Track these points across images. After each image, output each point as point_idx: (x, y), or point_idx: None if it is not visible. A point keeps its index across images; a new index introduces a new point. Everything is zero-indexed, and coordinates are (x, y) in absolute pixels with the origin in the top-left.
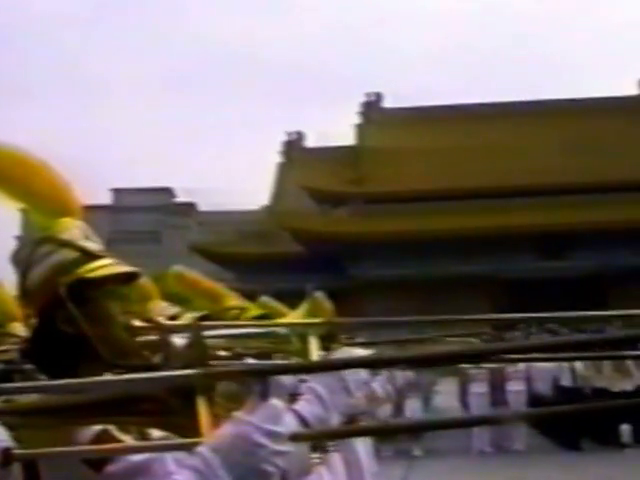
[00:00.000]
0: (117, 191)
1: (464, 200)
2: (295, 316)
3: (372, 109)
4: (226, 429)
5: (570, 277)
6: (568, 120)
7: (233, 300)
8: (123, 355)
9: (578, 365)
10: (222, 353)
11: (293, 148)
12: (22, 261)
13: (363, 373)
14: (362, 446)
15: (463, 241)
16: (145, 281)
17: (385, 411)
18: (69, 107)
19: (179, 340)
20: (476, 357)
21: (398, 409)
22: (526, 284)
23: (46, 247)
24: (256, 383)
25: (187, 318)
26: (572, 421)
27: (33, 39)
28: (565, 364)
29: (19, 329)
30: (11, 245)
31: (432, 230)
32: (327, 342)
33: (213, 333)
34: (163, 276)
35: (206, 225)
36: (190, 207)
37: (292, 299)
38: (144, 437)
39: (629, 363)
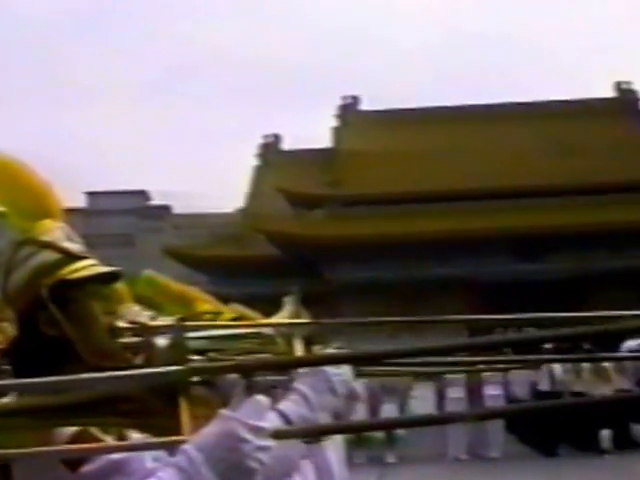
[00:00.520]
0: (92, 194)
1: (441, 203)
2: (279, 318)
3: (349, 112)
4: (211, 426)
5: (547, 280)
6: (546, 122)
7: (206, 304)
8: (106, 356)
9: (557, 369)
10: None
11: (269, 151)
12: (3, 264)
13: (349, 374)
14: (334, 453)
15: (440, 244)
16: (118, 284)
17: (361, 415)
18: (45, 109)
19: (162, 341)
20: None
21: (374, 413)
22: (503, 287)
23: (27, 249)
24: (240, 380)
25: (169, 319)
26: (550, 427)
27: (11, 41)
28: (544, 367)
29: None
30: None
31: (409, 233)
32: (310, 344)
33: (197, 334)
34: (134, 280)
35: (180, 228)
36: (165, 210)
37: (268, 303)
38: (123, 437)
39: (608, 367)
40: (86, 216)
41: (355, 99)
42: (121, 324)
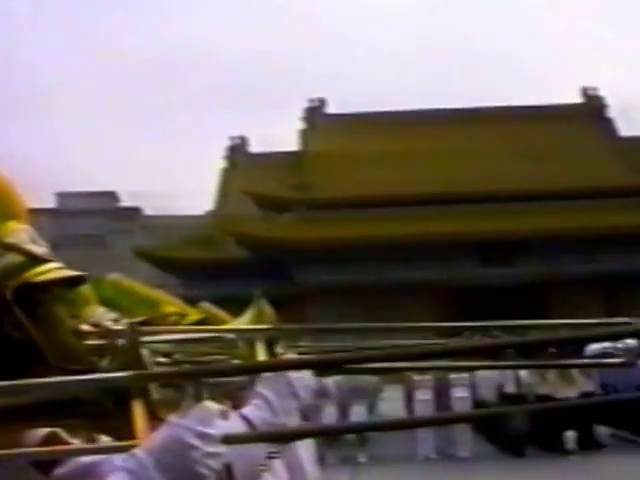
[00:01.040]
0: (61, 195)
1: (408, 206)
2: (241, 321)
3: (316, 115)
4: (160, 432)
5: (514, 284)
6: (514, 127)
7: (172, 307)
8: (71, 359)
9: (522, 372)
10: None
11: (237, 153)
12: None
13: (311, 378)
14: (305, 452)
15: (407, 247)
16: (84, 286)
17: (331, 417)
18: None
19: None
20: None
21: (344, 415)
22: (470, 291)
23: None
24: (190, 386)
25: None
26: (517, 428)
27: None
28: (509, 371)
29: None
30: None
31: (376, 236)
32: (271, 348)
33: (157, 338)
34: (100, 283)
35: (150, 230)
36: (134, 211)
37: (238, 305)
38: (92, 441)
39: (573, 370)
40: (56, 216)
41: (322, 102)
42: (85, 327)
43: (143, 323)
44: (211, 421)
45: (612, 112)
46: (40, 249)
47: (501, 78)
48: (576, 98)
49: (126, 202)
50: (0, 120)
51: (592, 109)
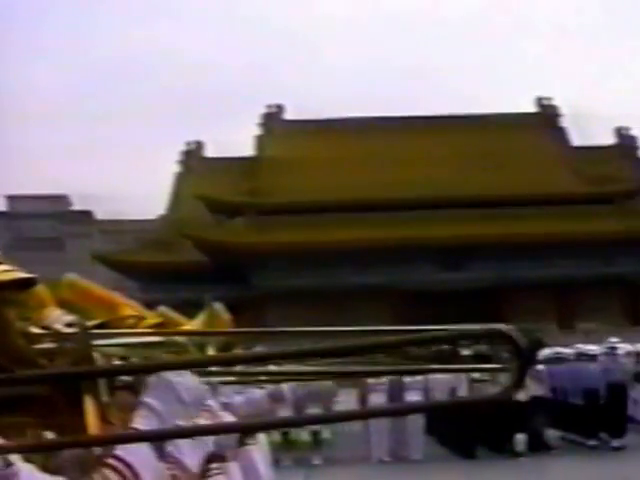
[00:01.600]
0: (11, 198)
1: (363, 212)
2: (193, 326)
3: (273, 120)
4: None
5: (469, 288)
6: (468, 135)
7: (130, 309)
8: (20, 362)
9: (476, 376)
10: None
11: (192, 158)
12: None
13: (194, 380)
14: (260, 455)
15: (364, 252)
16: (40, 288)
17: None
18: None
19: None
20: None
21: None
22: (426, 295)
23: None
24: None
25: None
26: (468, 430)
27: None
28: (463, 375)
29: None
30: None
31: (332, 241)
32: (227, 350)
33: (110, 341)
34: (57, 284)
35: (107, 233)
36: (87, 215)
37: (198, 309)
38: (40, 438)
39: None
40: (7, 219)
41: (280, 108)
42: (34, 330)
43: (100, 326)
44: None
45: (565, 122)
46: None
47: (456, 86)
48: (530, 107)
49: (77, 205)
50: None
51: (546, 118)
